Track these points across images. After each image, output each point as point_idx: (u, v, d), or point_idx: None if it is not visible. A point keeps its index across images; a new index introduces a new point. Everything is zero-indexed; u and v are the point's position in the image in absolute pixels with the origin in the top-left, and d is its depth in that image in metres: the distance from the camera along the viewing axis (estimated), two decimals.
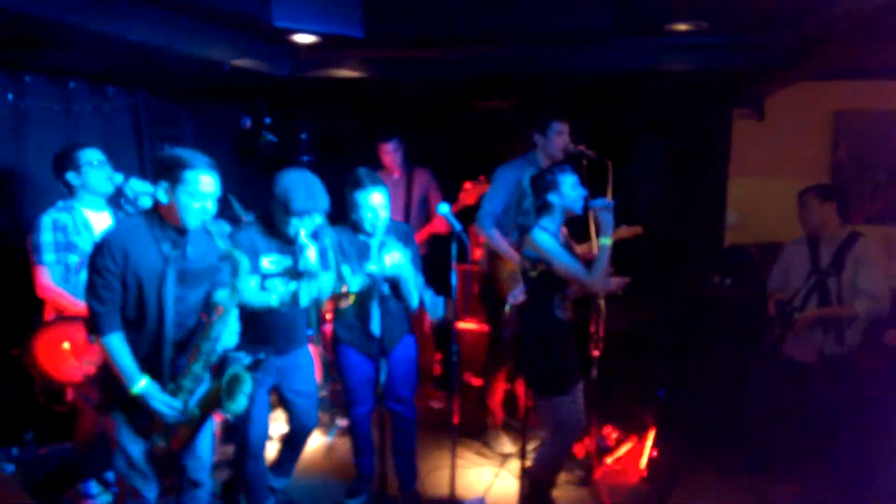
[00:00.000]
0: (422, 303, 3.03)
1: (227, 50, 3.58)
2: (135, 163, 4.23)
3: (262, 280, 2.79)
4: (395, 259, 2.93)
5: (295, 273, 2.84)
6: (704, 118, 4.81)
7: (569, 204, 2.90)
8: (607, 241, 2.85)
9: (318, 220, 2.79)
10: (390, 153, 4.45)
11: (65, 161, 3.07)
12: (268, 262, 2.81)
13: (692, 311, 4.42)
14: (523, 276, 3.04)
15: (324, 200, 2.76)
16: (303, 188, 2.71)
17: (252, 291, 2.74)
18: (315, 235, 2.85)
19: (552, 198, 2.90)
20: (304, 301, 2.75)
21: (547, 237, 2.86)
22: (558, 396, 2.93)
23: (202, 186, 2.28)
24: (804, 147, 4.71)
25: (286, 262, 2.85)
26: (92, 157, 3.10)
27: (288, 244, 2.84)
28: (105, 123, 4.01)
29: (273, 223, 2.83)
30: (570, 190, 2.89)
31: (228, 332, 2.44)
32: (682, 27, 3.37)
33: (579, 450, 3.83)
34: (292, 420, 3.14)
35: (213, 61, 3.54)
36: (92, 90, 3.99)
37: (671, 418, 4.10)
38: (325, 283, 2.86)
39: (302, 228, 2.75)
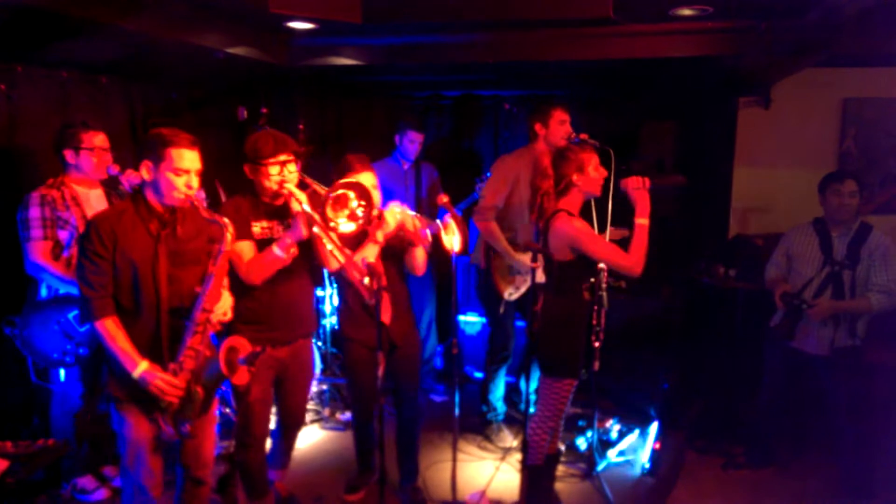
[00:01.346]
0: None
1: (222, 38, 3.51)
2: (130, 155, 4.18)
3: (256, 245, 2.73)
4: (395, 211, 2.82)
5: (290, 242, 2.77)
6: (709, 107, 4.74)
7: (590, 186, 2.91)
8: (644, 220, 2.85)
9: (293, 169, 2.72)
10: (417, 143, 4.40)
11: (67, 137, 3.06)
12: (259, 228, 2.74)
13: (697, 302, 4.37)
14: (546, 265, 3.01)
15: (292, 143, 2.73)
16: (268, 135, 2.71)
17: (250, 251, 2.68)
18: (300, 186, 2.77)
19: (575, 179, 2.90)
20: (304, 231, 2.60)
21: (578, 221, 2.87)
22: (566, 378, 2.98)
23: (184, 162, 2.28)
24: (811, 136, 4.62)
25: (278, 230, 2.78)
26: (95, 142, 3.09)
27: (277, 208, 2.78)
28: (100, 113, 3.96)
29: (256, 190, 2.77)
30: (592, 171, 2.89)
31: (222, 302, 2.42)
32: (686, 12, 3.30)
33: (581, 442, 3.80)
34: (282, 413, 3.10)
35: (208, 49, 3.48)
36: (86, 81, 3.93)
37: (675, 411, 4.07)
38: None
39: (281, 178, 2.68)
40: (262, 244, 2.71)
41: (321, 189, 2.79)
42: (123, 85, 4.18)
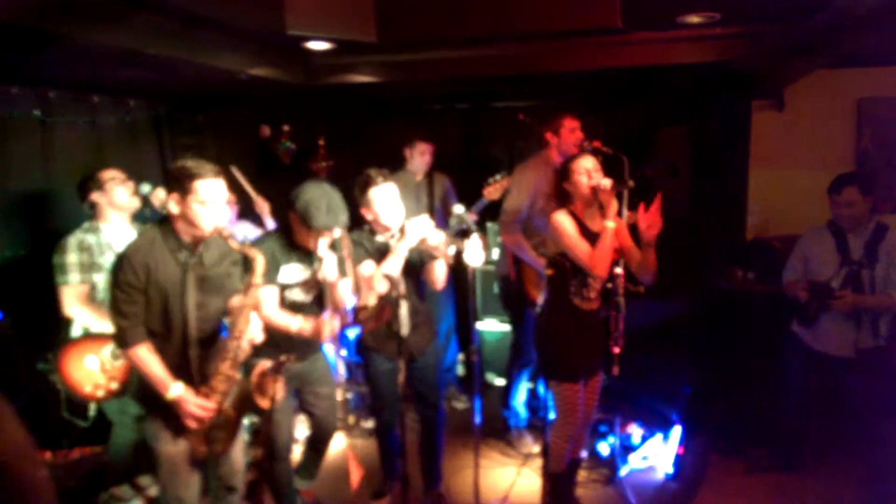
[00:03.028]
0: None
1: (244, 59, 3.64)
2: (158, 173, 4.33)
3: (280, 291, 2.83)
4: (418, 225, 2.86)
5: (314, 283, 2.88)
6: (722, 110, 4.75)
7: (579, 189, 2.95)
8: (611, 223, 2.86)
9: (337, 233, 2.80)
10: (427, 154, 4.48)
11: (89, 183, 3.17)
12: (286, 274, 2.84)
13: (715, 306, 4.36)
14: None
15: (343, 216, 2.76)
16: (323, 204, 2.70)
17: (273, 305, 2.77)
18: (332, 246, 2.87)
19: (566, 186, 2.98)
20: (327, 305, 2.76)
21: (561, 216, 2.93)
22: (562, 382, 2.99)
23: (210, 194, 2.35)
24: (827, 137, 4.61)
25: (305, 273, 2.89)
26: (113, 174, 3.20)
27: (307, 255, 2.88)
28: (128, 135, 4.11)
29: (292, 236, 2.86)
30: (575, 175, 2.95)
31: (251, 329, 2.49)
32: (693, 19, 3.34)
33: (603, 448, 3.82)
34: (314, 424, 3.18)
35: (231, 71, 3.61)
36: (115, 103, 4.09)
37: (697, 415, 4.06)
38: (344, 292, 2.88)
39: (321, 242, 2.79)
40: (284, 288, 2.82)
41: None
42: (150, 107, 4.33)
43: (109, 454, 3.29)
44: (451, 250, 2.91)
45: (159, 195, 3.41)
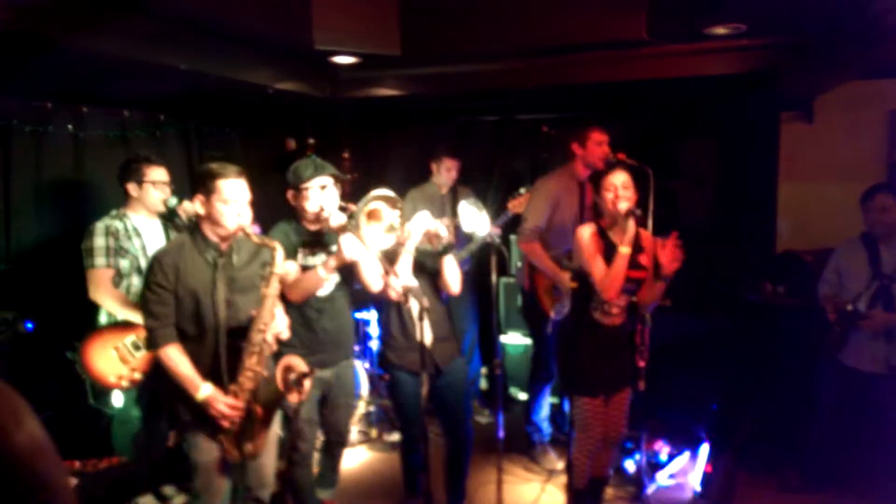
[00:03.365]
0: None
1: (271, 74, 3.70)
2: (187, 186, 4.39)
3: (301, 269, 2.86)
4: (417, 220, 2.87)
5: (327, 252, 2.90)
6: (750, 122, 4.69)
7: (605, 205, 2.95)
8: (625, 249, 2.85)
9: (334, 192, 2.85)
10: (453, 171, 4.50)
11: (132, 171, 3.24)
12: (302, 254, 2.88)
13: (745, 320, 4.29)
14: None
15: (331, 168, 2.86)
16: (308, 161, 2.87)
17: (295, 272, 2.80)
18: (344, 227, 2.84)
19: (597, 199, 2.99)
20: (347, 252, 2.69)
21: (584, 230, 2.95)
22: (581, 396, 2.98)
23: (233, 192, 2.42)
24: (858, 149, 4.52)
25: (321, 256, 2.90)
26: (156, 175, 3.27)
27: (320, 237, 2.91)
28: (158, 149, 4.18)
29: (298, 217, 2.91)
30: (603, 190, 2.95)
31: (276, 322, 2.51)
32: (720, 31, 3.31)
33: (630, 465, 3.75)
34: (327, 428, 3.18)
35: (259, 85, 3.67)
36: (145, 118, 4.18)
37: (725, 432, 3.98)
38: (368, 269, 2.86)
39: (321, 201, 2.81)
40: (305, 270, 2.84)
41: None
42: (179, 121, 4.41)
43: (116, 449, 3.33)
44: (446, 231, 2.90)
45: (187, 208, 3.46)
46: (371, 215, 2.76)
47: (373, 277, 2.89)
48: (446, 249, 2.96)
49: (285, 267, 2.59)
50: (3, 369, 3.25)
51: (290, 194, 2.90)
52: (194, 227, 2.52)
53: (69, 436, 3.47)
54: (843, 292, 3.38)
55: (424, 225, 2.88)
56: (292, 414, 2.82)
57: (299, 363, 2.50)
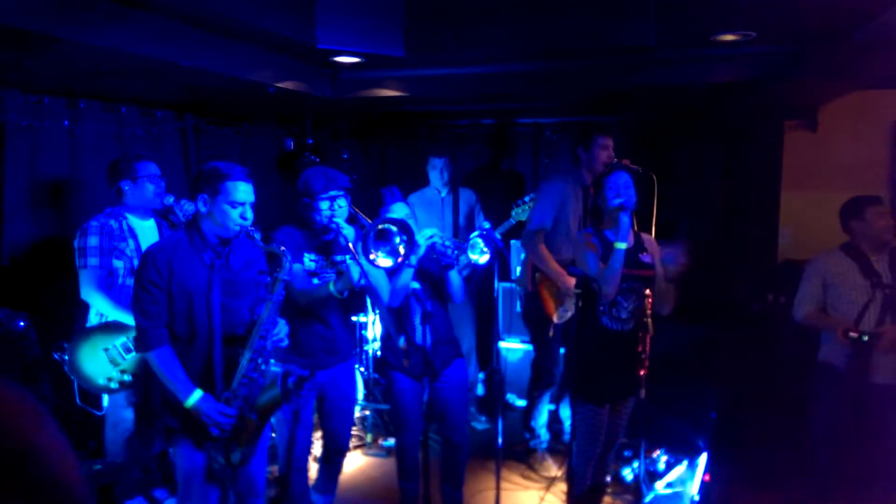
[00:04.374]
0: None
1: (272, 72, 3.65)
2: (183, 184, 4.35)
3: (307, 276, 2.82)
4: (424, 234, 2.84)
5: (336, 264, 2.89)
6: (754, 130, 4.68)
7: (609, 205, 2.96)
8: (621, 245, 2.85)
9: (343, 204, 2.84)
10: (438, 169, 4.45)
11: (123, 169, 3.17)
12: (307, 259, 2.85)
13: (746, 330, 4.26)
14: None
15: (342, 179, 2.85)
16: (320, 172, 2.84)
17: (303, 278, 2.77)
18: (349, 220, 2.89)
19: (598, 201, 3.00)
20: (356, 278, 2.66)
21: (583, 234, 2.98)
22: (588, 405, 2.95)
23: (239, 194, 2.35)
24: (861, 159, 4.51)
25: (327, 268, 2.89)
26: (150, 170, 3.20)
27: (325, 245, 2.89)
28: (154, 146, 4.14)
29: (307, 225, 2.88)
30: (607, 192, 2.95)
31: (277, 329, 2.46)
32: (728, 37, 3.28)
33: (628, 473, 3.72)
34: (325, 437, 3.13)
35: (259, 84, 3.62)
36: (142, 114, 4.13)
37: (724, 442, 3.95)
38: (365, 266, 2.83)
39: (331, 213, 2.80)
40: (311, 275, 2.80)
41: (368, 221, 2.87)
42: (177, 118, 4.36)
43: (107, 451, 3.26)
44: (462, 257, 2.89)
45: (184, 206, 3.41)
46: (380, 234, 2.71)
47: (382, 293, 2.86)
48: (451, 265, 2.93)
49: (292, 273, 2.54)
50: None
51: (301, 205, 2.88)
52: (192, 224, 2.43)
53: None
54: (838, 306, 3.29)
55: (431, 243, 2.85)
56: (290, 419, 2.76)
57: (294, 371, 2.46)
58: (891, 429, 3.26)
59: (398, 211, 2.93)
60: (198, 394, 2.31)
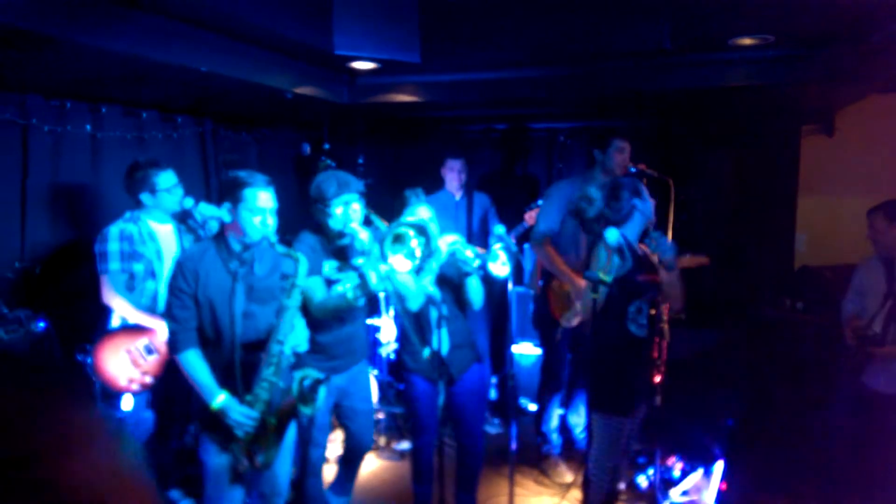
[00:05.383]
0: None
1: (290, 78, 3.69)
2: (202, 187, 4.39)
3: (325, 285, 2.83)
4: (447, 241, 2.84)
5: (354, 268, 2.86)
6: (771, 135, 4.65)
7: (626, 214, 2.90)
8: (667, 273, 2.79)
9: (357, 208, 2.83)
10: (456, 171, 4.46)
11: (141, 182, 3.21)
12: (327, 267, 2.86)
13: (762, 336, 4.23)
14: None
15: (356, 183, 2.85)
16: (332, 177, 2.84)
17: (321, 289, 2.77)
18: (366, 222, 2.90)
19: (608, 206, 2.92)
20: (374, 283, 2.62)
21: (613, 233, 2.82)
22: (616, 416, 2.84)
23: (260, 202, 2.42)
24: (879, 163, 4.47)
25: (346, 271, 2.86)
26: (168, 181, 3.25)
27: (342, 250, 2.88)
28: (174, 150, 4.18)
29: (324, 233, 2.88)
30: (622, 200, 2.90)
31: (296, 334, 2.50)
32: (746, 41, 3.27)
33: (643, 481, 3.69)
34: (348, 439, 3.15)
35: (277, 89, 3.66)
36: (162, 120, 4.18)
37: (741, 449, 3.91)
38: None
39: (345, 217, 2.79)
40: (330, 284, 2.81)
41: (385, 224, 2.88)
42: (196, 123, 4.41)
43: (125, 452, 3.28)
44: (481, 264, 2.87)
45: (202, 210, 3.44)
46: (397, 238, 2.71)
47: (405, 297, 2.85)
48: (471, 272, 2.92)
49: (308, 280, 2.56)
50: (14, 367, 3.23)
51: (315, 211, 2.89)
52: (220, 233, 2.52)
53: None
54: (864, 313, 3.30)
55: (453, 250, 2.84)
56: (306, 422, 2.78)
57: (312, 373, 2.47)
58: None
59: (422, 212, 2.92)
60: (223, 396, 2.38)
